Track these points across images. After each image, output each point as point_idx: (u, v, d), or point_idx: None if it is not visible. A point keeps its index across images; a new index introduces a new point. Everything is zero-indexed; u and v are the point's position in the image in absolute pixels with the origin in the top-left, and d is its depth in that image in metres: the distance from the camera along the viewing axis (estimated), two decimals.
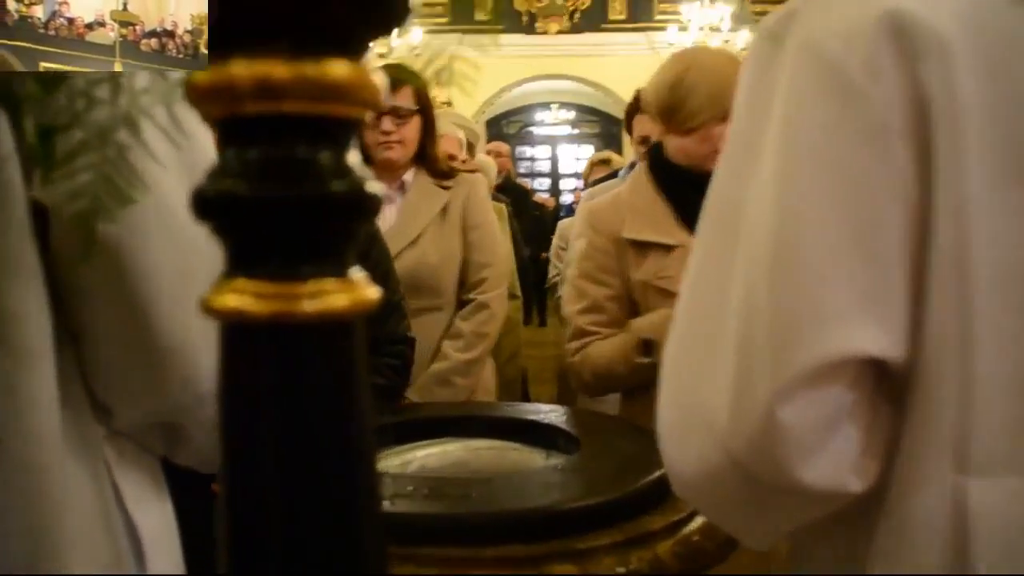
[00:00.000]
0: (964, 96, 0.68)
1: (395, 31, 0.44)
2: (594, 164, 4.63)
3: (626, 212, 1.84)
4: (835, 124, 0.70)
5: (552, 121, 15.50)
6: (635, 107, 3.01)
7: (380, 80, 0.40)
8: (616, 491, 1.11)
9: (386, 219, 2.31)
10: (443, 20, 12.35)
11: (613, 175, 3.70)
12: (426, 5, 12.03)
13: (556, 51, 12.60)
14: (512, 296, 2.97)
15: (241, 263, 0.40)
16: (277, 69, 0.37)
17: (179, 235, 0.75)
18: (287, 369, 0.40)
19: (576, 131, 15.33)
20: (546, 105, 15.32)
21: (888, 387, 0.74)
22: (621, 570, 1.04)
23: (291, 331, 0.40)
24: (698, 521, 1.14)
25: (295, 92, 0.37)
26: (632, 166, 3.20)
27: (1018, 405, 0.69)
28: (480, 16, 12.86)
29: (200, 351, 0.78)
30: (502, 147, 6.92)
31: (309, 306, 0.39)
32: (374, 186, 0.41)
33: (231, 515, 0.42)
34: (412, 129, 2.31)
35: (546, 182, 15.26)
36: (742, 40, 11.09)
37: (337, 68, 0.38)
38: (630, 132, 3.13)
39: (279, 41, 0.37)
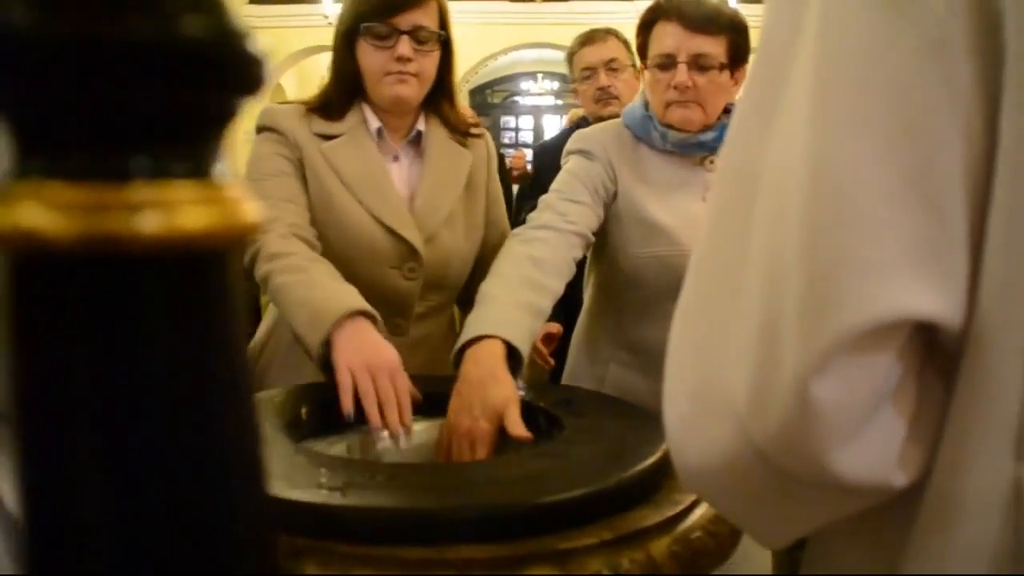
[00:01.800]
0: None
1: None
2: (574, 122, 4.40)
3: None
4: (884, 38, 0.59)
5: (537, 91, 15.39)
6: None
7: None
8: (603, 481, 0.97)
9: (395, 182, 1.77)
10: None
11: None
12: None
13: (543, 19, 12.47)
14: None
15: (33, 154, 0.24)
16: None
17: None
18: (105, 323, 0.24)
19: (560, 102, 15.22)
20: (532, 75, 15.21)
21: (939, 360, 0.63)
22: (609, 573, 0.90)
23: (112, 264, 0.24)
24: (698, 515, 1.00)
25: None
26: None
27: None
28: None
29: None
30: (465, 109, 6.74)
31: (140, 224, 0.24)
32: (256, 46, 0.25)
33: (36, 531, 0.27)
34: (432, 61, 1.73)
35: (529, 153, 15.17)
36: (753, 14, 11.00)
37: None
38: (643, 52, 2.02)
39: None
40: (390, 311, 1.64)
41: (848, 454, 0.59)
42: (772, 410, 0.59)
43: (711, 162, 1.82)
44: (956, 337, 0.60)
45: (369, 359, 1.36)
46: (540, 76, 15.20)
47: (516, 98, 15.74)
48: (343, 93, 1.69)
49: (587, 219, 1.73)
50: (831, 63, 0.61)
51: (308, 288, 1.43)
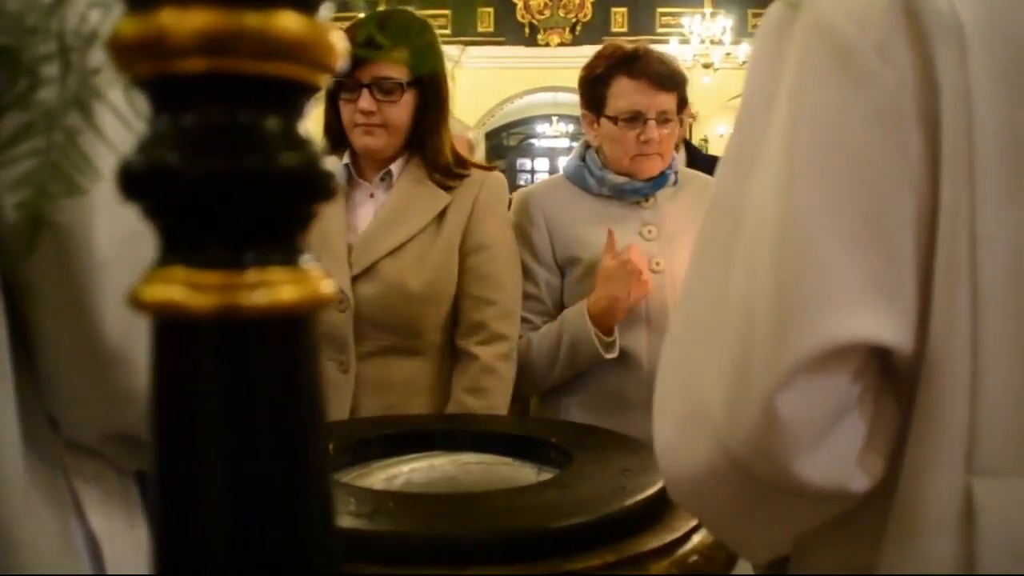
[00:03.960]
0: (977, 84, 0.65)
1: None
2: None
3: None
4: (846, 106, 0.67)
5: (552, 134, 15.53)
6: None
7: (339, 41, 0.35)
8: (608, 509, 1.06)
9: (360, 218, 1.77)
10: (445, 32, 12.35)
11: None
12: (428, 16, 12.01)
13: (557, 63, 12.62)
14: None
15: (175, 248, 0.35)
16: (214, 19, 0.31)
17: (130, 230, 0.69)
18: (228, 369, 0.34)
19: (575, 144, 15.30)
20: (547, 117, 15.35)
21: (893, 382, 0.71)
22: None
23: (233, 327, 0.34)
24: (696, 541, 1.08)
25: (236, 47, 0.32)
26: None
27: None
28: (482, 28, 12.86)
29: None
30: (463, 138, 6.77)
31: (253, 298, 0.34)
32: (330, 162, 0.36)
33: (166, 533, 0.37)
34: (401, 110, 1.71)
35: None
36: (743, 53, 11.09)
37: (285, 20, 0.32)
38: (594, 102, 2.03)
39: None
40: (330, 346, 1.69)
41: (810, 461, 0.67)
42: (743, 422, 0.67)
43: (647, 200, 1.93)
44: (909, 360, 0.68)
45: None
46: (555, 119, 15.33)
47: (532, 140, 15.88)
48: (330, 143, 1.79)
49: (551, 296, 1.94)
50: (799, 125, 0.69)
51: None
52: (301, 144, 0.35)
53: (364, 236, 1.73)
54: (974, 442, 0.66)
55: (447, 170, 1.77)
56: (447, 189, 1.76)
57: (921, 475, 0.68)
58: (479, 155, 3.46)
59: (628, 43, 1.96)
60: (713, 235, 0.77)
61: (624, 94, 1.86)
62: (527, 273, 1.89)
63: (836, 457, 0.68)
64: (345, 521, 1.02)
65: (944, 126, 0.65)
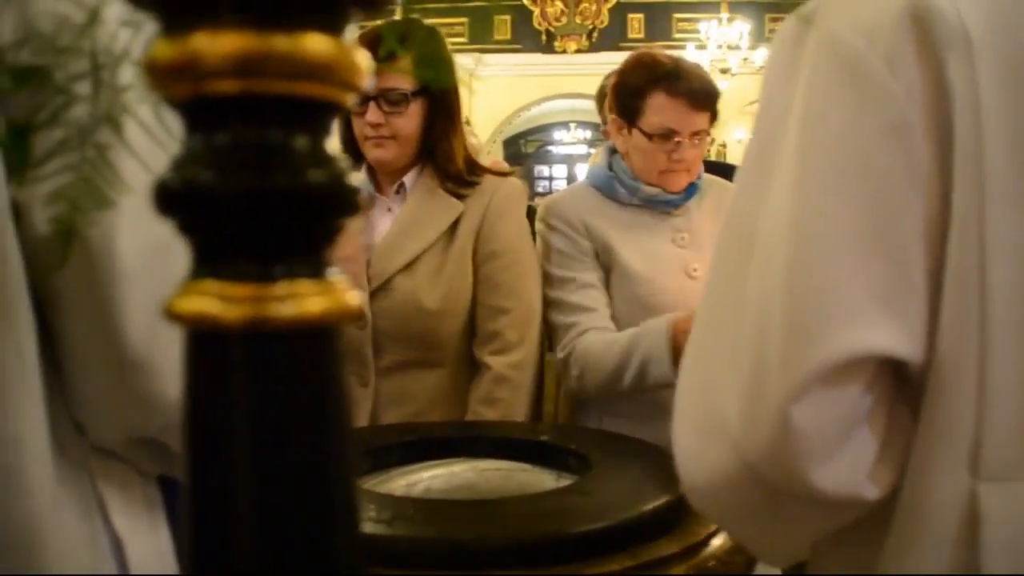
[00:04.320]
0: (987, 93, 0.66)
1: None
2: None
3: None
4: (855, 119, 0.68)
5: (570, 140, 15.56)
6: None
7: (365, 60, 0.36)
8: (626, 514, 1.07)
9: (379, 234, 1.76)
10: (462, 39, 12.40)
11: None
12: (444, 25, 12.09)
13: (574, 70, 12.64)
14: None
15: (208, 262, 0.36)
16: (245, 43, 0.33)
17: (153, 240, 0.71)
18: (258, 378, 0.36)
19: (593, 150, 15.32)
20: (564, 124, 15.38)
21: (907, 391, 0.72)
22: None
23: (262, 337, 0.35)
24: (714, 545, 1.09)
25: (266, 69, 0.33)
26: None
27: None
28: (499, 36, 12.90)
29: (176, 364, 0.73)
30: (498, 163, 6.76)
31: (282, 310, 0.35)
32: (356, 179, 0.37)
33: (197, 537, 0.38)
34: (409, 120, 1.70)
35: None
36: (760, 58, 11.08)
37: (313, 43, 0.34)
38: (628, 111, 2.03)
39: (247, 11, 0.33)
40: (351, 361, 1.69)
41: (825, 469, 0.68)
42: (760, 432, 0.68)
43: (677, 208, 1.92)
44: (920, 370, 0.69)
45: None
46: (573, 125, 15.35)
47: (549, 147, 15.91)
48: (350, 159, 1.75)
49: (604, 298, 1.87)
50: (811, 137, 0.70)
51: None
52: (327, 161, 0.36)
53: (379, 252, 1.73)
54: (979, 448, 0.67)
55: (459, 178, 1.75)
56: (460, 197, 1.75)
57: (927, 480, 0.70)
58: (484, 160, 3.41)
59: (663, 54, 1.93)
60: (729, 248, 0.78)
61: (661, 111, 1.84)
62: (576, 267, 1.86)
63: (850, 466, 0.69)
64: (366, 527, 1.03)
65: (956, 136, 0.66)
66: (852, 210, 0.67)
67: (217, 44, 0.33)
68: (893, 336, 0.67)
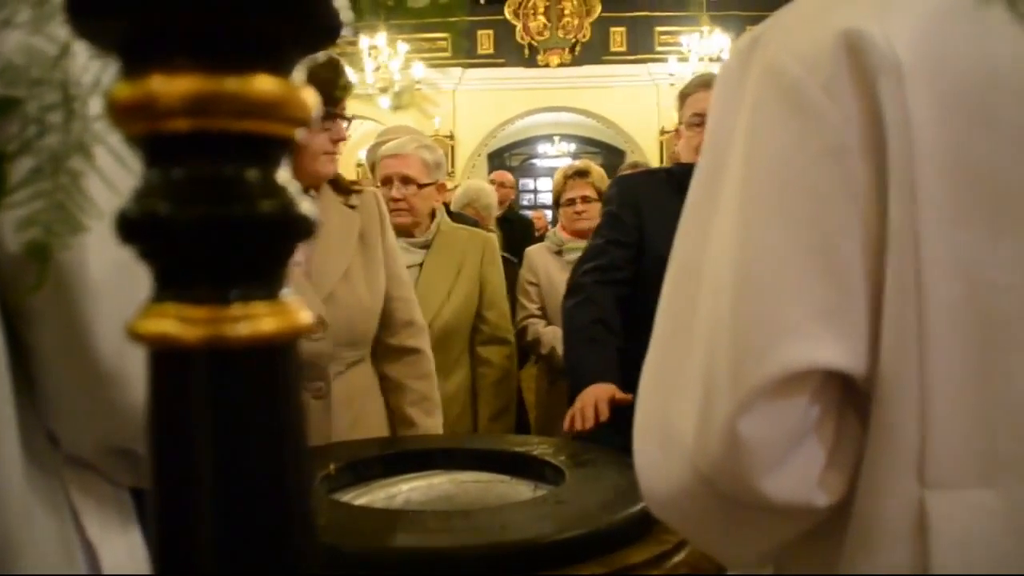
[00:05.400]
0: (918, 117, 0.68)
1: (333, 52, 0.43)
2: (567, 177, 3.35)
3: None
4: (795, 143, 0.71)
5: (554, 153, 15.60)
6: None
7: (311, 97, 0.39)
8: (598, 523, 1.09)
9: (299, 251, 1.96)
10: (445, 54, 12.45)
11: None
12: (427, 40, 12.15)
13: (557, 84, 12.71)
14: (503, 341, 2.61)
15: (168, 286, 0.39)
16: (198, 84, 0.36)
17: (120, 257, 0.73)
18: (216, 394, 0.38)
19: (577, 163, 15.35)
20: (548, 137, 15.42)
21: (856, 402, 0.74)
22: None
23: (220, 356, 0.38)
24: (684, 553, 1.11)
25: (218, 108, 0.36)
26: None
27: (974, 418, 0.70)
28: (481, 50, 12.95)
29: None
30: (506, 177, 6.73)
31: (237, 330, 0.38)
32: (306, 206, 0.40)
33: (162, 545, 0.41)
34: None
35: (548, 214, 15.33)
36: None
37: (261, 83, 0.37)
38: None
39: (200, 55, 0.36)
40: (309, 377, 1.78)
41: (773, 479, 0.70)
42: (710, 445, 0.71)
43: None
44: (865, 382, 0.72)
45: None
46: (557, 138, 15.39)
47: (534, 161, 15.93)
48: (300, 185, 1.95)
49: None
50: (755, 161, 0.73)
51: None
52: (278, 191, 0.39)
53: (316, 266, 1.86)
54: (925, 457, 0.69)
55: (346, 189, 1.98)
56: (352, 207, 1.96)
57: (877, 489, 0.72)
58: (483, 176, 3.78)
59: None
60: (682, 270, 0.81)
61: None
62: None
63: (799, 475, 0.71)
64: (347, 539, 1.05)
65: (889, 157, 0.69)
66: (793, 230, 0.70)
67: (172, 85, 0.36)
68: (835, 350, 0.69)
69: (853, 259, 0.70)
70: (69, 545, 0.80)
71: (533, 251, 3.25)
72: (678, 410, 0.75)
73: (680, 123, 2.47)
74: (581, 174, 3.24)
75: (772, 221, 0.70)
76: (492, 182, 5.83)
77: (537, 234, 6.19)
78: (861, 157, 0.70)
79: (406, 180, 2.44)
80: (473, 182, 4.89)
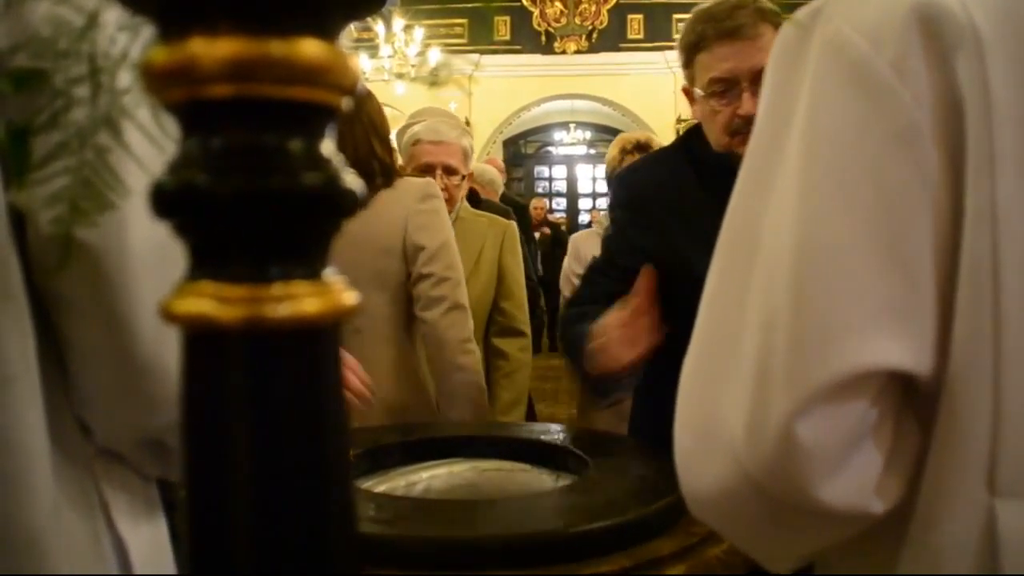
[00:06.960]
0: (999, 95, 0.63)
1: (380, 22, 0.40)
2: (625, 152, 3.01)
3: None
4: (862, 125, 0.66)
5: (570, 141, 15.52)
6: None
7: (357, 65, 0.37)
8: (624, 514, 1.07)
9: None
10: (462, 40, 12.39)
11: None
12: (444, 26, 12.08)
13: (574, 71, 12.62)
14: (519, 333, 2.56)
15: (204, 263, 0.37)
16: (241, 47, 0.33)
17: (161, 244, 0.71)
18: (254, 378, 0.36)
19: (593, 151, 15.33)
20: (564, 125, 15.35)
21: (915, 404, 0.70)
22: None
23: (259, 339, 0.36)
24: (712, 545, 1.09)
25: (262, 73, 0.34)
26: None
27: None
28: (498, 36, 12.90)
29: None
30: (496, 162, 6.68)
31: (278, 311, 0.36)
32: (351, 180, 0.37)
33: (196, 535, 0.39)
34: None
35: (563, 202, 15.31)
36: None
37: (308, 47, 0.34)
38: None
39: (243, 17, 0.33)
40: None
41: (830, 484, 0.66)
42: (763, 446, 0.66)
43: None
44: (930, 384, 0.67)
45: None
46: (572, 126, 15.31)
47: (549, 148, 15.86)
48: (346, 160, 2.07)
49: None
50: (816, 144, 0.68)
51: None
52: (323, 164, 0.37)
53: None
54: (995, 464, 0.65)
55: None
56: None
57: (942, 496, 0.68)
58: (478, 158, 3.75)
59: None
60: (731, 251, 0.76)
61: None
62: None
63: (856, 480, 0.68)
64: (366, 526, 1.04)
65: (968, 141, 0.64)
66: (860, 221, 0.65)
67: (213, 49, 0.33)
68: (902, 350, 0.65)
69: (922, 252, 0.65)
70: (99, 540, 0.78)
71: (580, 238, 3.00)
72: (725, 402, 0.71)
73: (692, 85, 1.79)
74: (641, 147, 2.81)
75: (837, 209, 0.66)
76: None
77: (533, 223, 6.12)
78: (934, 142, 0.65)
79: (449, 170, 2.41)
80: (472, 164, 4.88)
